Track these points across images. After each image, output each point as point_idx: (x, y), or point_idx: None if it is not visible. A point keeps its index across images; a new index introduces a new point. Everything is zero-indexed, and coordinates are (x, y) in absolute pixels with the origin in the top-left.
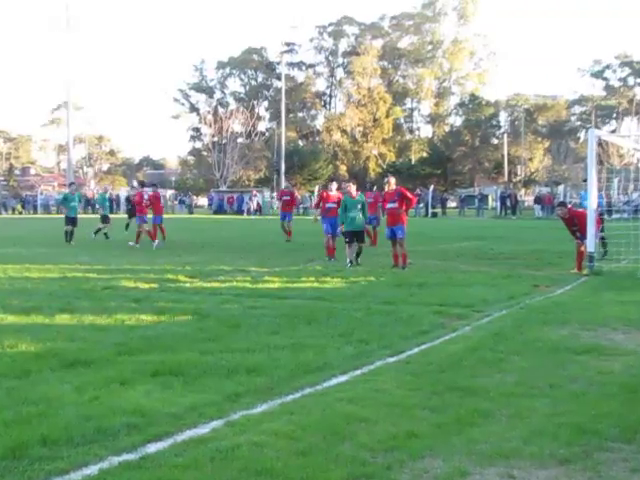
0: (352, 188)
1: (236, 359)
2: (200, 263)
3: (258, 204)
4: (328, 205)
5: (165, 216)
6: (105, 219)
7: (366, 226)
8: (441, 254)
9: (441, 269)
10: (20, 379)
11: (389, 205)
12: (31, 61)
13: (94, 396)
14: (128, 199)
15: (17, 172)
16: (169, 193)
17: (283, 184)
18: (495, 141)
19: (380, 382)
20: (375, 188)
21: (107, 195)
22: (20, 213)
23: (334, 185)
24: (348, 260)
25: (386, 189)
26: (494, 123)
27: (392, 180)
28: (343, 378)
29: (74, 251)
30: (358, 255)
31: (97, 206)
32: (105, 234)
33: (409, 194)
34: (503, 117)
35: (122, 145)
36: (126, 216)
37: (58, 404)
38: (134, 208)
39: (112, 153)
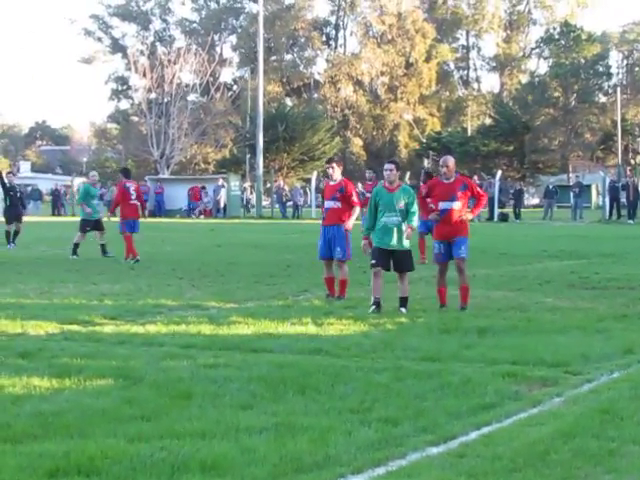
0: (335, 171)
1: (185, 449)
2: (128, 295)
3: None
4: (326, 204)
5: (73, 218)
6: (93, 225)
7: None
8: (514, 281)
9: (514, 305)
10: None
11: (443, 205)
12: None
13: None
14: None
15: None
16: (78, 182)
17: (261, 167)
18: (602, 99)
19: None
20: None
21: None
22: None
23: (335, 169)
24: (373, 300)
25: (441, 177)
26: (600, 70)
27: (451, 162)
28: (357, 479)
29: None
30: (403, 302)
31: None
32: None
33: (478, 189)
34: (615, 60)
35: (1, 106)
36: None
37: None
38: (112, 208)
39: None
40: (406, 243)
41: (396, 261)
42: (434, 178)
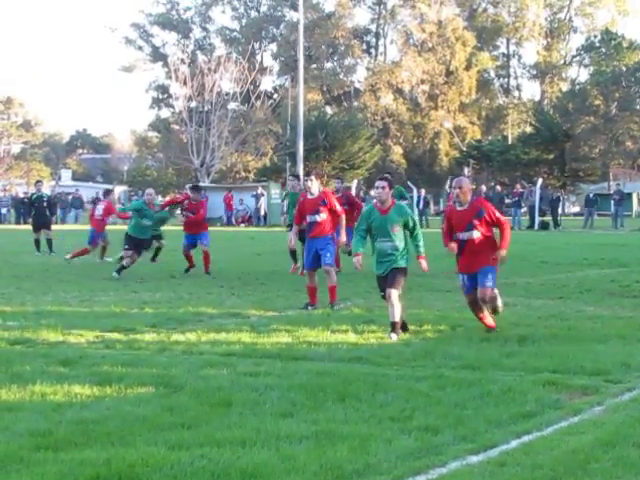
0: (314, 184)
1: (225, 457)
2: (168, 303)
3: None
4: (309, 219)
5: (115, 227)
6: (136, 244)
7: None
8: (555, 289)
9: (555, 314)
10: None
11: (462, 235)
12: None
13: None
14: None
15: None
16: (119, 190)
17: (301, 177)
18: None
19: None
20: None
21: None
22: None
23: (314, 182)
24: (391, 326)
25: (455, 202)
26: None
27: (465, 184)
28: None
29: None
30: (392, 327)
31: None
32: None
33: (497, 214)
34: None
35: (43, 114)
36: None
37: None
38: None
39: (27, 126)
40: (401, 262)
41: (385, 277)
42: (449, 205)
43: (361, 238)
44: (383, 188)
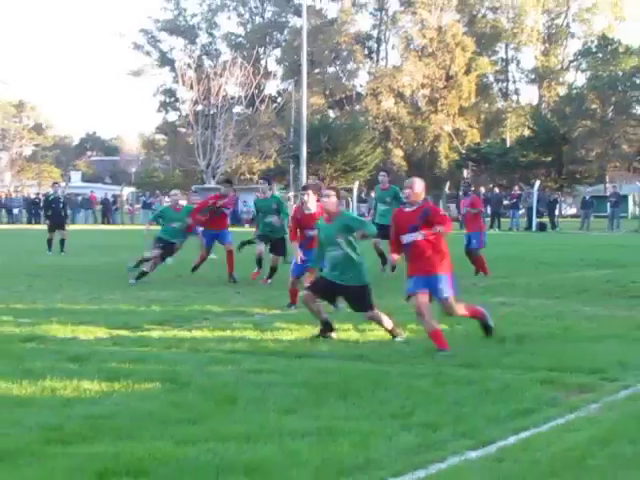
0: (310, 199)
1: (230, 452)
2: (175, 301)
3: None
4: (309, 234)
5: (123, 227)
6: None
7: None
8: (552, 289)
9: (552, 313)
10: None
11: (406, 238)
12: None
13: None
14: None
15: None
16: (127, 192)
17: (304, 177)
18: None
19: None
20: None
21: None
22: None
23: (310, 197)
24: (390, 334)
25: (405, 204)
26: (638, 82)
27: (417, 185)
28: None
29: None
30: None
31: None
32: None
33: (443, 212)
34: None
35: (54, 117)
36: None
37: None
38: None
39: (38, 129)
40: (362, 278)
41: (349, 299)
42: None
43: (319, 250)
44: (328, 197)
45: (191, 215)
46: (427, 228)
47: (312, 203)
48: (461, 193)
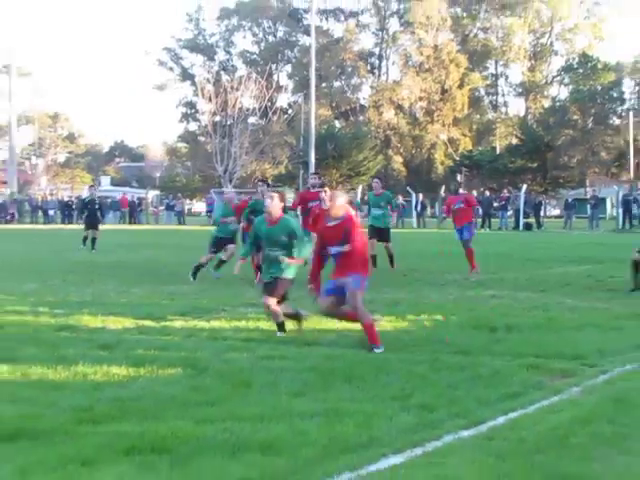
0: (274, 201)
1: (245, 431)
2: (194, 294)
3: None
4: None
5: (148, 227)
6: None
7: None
8: (538, 283)
9: (538, 305)
10: None
11: (334, 249)
12: None
13: None
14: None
15: None
16: (152, 195)
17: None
18: (616, 121)
19: (450, 466)
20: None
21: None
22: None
23: (274, 199)
24: (277, 327)
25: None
26: (615, 95)
27: (339, 200)
28: (397, 459)
29: (17, 277)
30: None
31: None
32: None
33: (354, 227)
34: (628, 87)
35: (85, 128)
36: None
37: None
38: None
39: (71, 138)
40: (288, 273)
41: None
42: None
43: (250, 246)
44: (271, 199)
45: (238, 211)
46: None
47: (276, 207)
48: (445, 192)
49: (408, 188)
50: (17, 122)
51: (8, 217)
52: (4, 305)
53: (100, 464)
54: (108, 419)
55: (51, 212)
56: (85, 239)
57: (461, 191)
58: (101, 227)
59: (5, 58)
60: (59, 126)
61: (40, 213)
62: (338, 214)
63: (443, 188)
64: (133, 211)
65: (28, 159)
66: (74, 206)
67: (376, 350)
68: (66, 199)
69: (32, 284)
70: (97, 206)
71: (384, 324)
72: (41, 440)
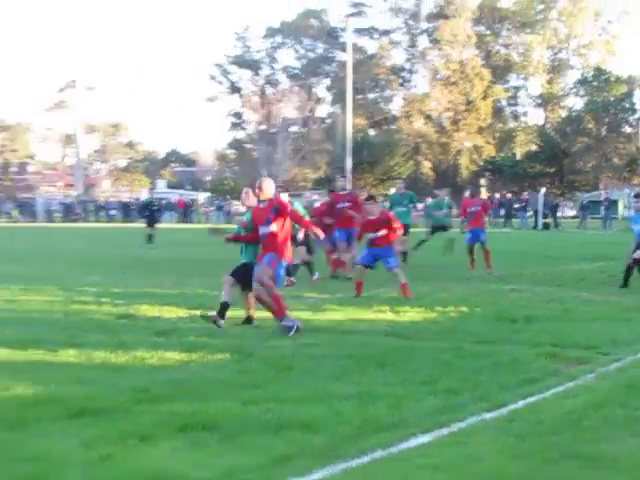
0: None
1: (287, 411)
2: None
3: None
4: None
5: (199, 225)
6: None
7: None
8: (555, 278)
9: (555, 298)
10: (14, 430)
11: (262, 229)
12: (30, 31)
13: (106, 454)
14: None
15: (13, 169)
16: (203, 196)
17: (347, 185)
18: (628, 130)
19: (473, 445)
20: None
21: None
22: (15, 221)
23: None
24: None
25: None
26: (627, 106)
27: (265, 184)
28: (425, 438)
29: (82, 270)
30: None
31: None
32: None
33: (284, 207)
34: (639, 98)
35: (143, 136)
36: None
37: (61, 463)
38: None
39: (131, 145)
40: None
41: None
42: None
43: None
44: (247, 194)
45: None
46: (279, 220)
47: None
48: (467, 194)
49: (435, 191)
50: (83, 131)
51: (74, 216)
52: (71, 296)
53: (156, 439)
54: (163, 399)
55: (113, 212)
56: (150, 236)
57: (481, 196)
58: (158, 226)
59: (72, 74)
60: (120, 134)
61: (103, 213)
62: (267, 197)
63: (468, 192)
64: (186, 211)
65: (92, 164)
66: (133, 206)
67: (283, 323)
68: (126, 200)
69: (95, 277)
70: (156, 207)
71: (414, 315)
72: (103, 417)
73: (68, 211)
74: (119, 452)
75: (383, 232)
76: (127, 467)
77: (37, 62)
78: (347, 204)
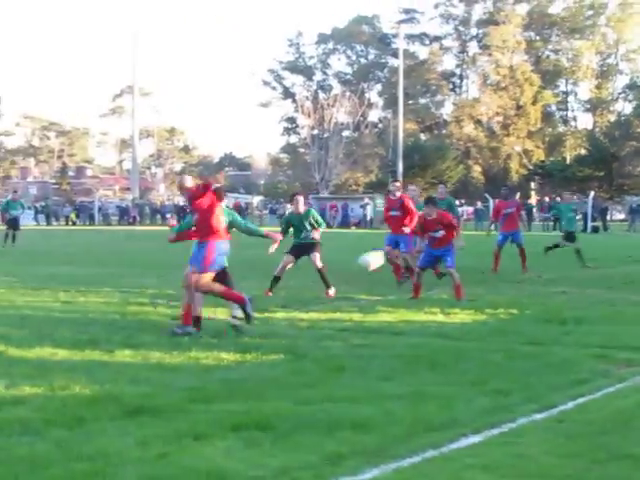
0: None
1: (339, 411)
2: (295, 288)
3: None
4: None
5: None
6: None
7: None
8: (604, 281)
9: (605, 300)
10: (72, 429)
11: None
12: (88, 37)
13: (162, 452)
14: None
15: (71, 173)
16: (257, 200)
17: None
18: None
19: (523, 445)
20: (517, 195)
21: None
22: (74, 223)
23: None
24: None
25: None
26: None
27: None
28: (475, 438)
29: (138, 272)
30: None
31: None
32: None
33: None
34: None
35: (198, 140)
36: None
37: (118, 461)
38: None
39: (186, 150)
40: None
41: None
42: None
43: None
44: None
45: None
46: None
47: (300, 204)
48: (502, 196)
49: (486, 195)
50: (139, 136)
51: (131, 219)
52: (127, 297)
53: (211, 438)
54: (217, 398)
55: (168, 215)
56: None
57: (514, 198)
58: None
59: (129, 79)
60: (175, 139)
61: (158, 216)
62: (191, 190)
63: (518, 195)
64: (240, 214)
65: (148, 168)
66: (188, 210)
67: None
68: (181, 204)
69: (151, 279)
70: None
71: (464, 316)
72: (159, 416)
73: (124, 214)
74: (174, 451)
75: (442, 233)
76: (182, 465)
77: (95, 67)
78: (397, 212)
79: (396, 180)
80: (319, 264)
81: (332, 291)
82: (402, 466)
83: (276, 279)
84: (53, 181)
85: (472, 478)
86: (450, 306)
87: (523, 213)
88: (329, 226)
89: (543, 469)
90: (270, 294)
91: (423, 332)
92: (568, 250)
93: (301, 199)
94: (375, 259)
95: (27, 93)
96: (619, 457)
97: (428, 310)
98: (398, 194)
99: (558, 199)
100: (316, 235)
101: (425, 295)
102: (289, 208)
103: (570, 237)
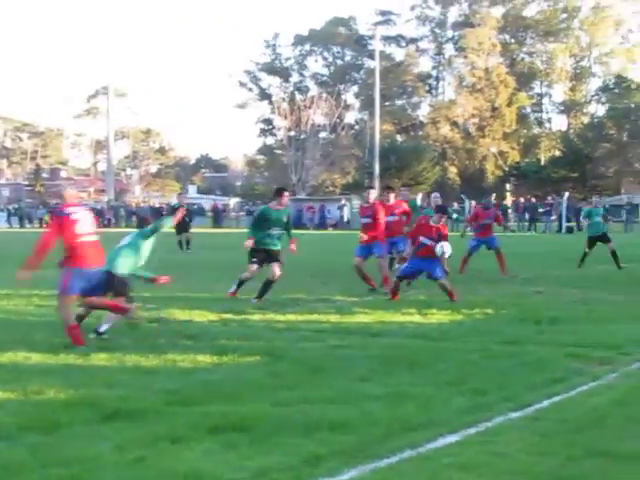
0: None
1: (317, 412)
2: (272, 290)
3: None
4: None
5: (229, 230)
6: None
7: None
8: (579, 280)
9: (579, 299)
10: (47, 434)
11: None
12: (62, 38)
13: (139, 457)
14: None
15: (45, 175)
16: (233, 201)
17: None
18: None
19: (500, 444)
20: (493, 200)
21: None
22: (48, 226)
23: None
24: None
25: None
26: None
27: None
28: (453, 438)
29: None
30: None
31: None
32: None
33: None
34: None
35: (174, 141)
36: None
37: (94, 466)
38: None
39: (162, 151)
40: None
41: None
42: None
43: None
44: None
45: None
46: None
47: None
48: (482, 204)
49: (462, 195)
50: (114, 137)
51: (106, 222)
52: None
53: (188, 441)
54: (195, 401)
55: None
56: (180, 243)
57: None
58: (191, 231)
59: (104, 80)
60: (151, 140)
61: (134, 218)
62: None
63: (494, 196)
64: (217, 216)
65: (124, 170)
66: (164, 212)
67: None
68: (157, 205)
69: None
70: (185, 212)
71: (441, 317)
72: (135, 420)
73: (99, 216)
74: (151, 454)
75: (432, 243)
76: (160, 469)
77: (69, 68)
78: (369, 220)
79: (371, 187)
80: (276, 276)
81: (258, 302)
82: (380, 466)
83: (241, 283)
84: (26, 183)
85: (449, 477)
86: (427, 307)
87: (504, 222)
88: (306, 227)
89: (519, 467)
90: (236, 295)
91: (400, 333)
92: (545, 251)
93: (287, 194)
94: (449, 247)
95: None
96: (594, 454)
97: (405, 311)
98: (371, 201)
99: (533, 200)
100: (292, 246)
101: (402, 296)
102: None
103: (603, 239)
